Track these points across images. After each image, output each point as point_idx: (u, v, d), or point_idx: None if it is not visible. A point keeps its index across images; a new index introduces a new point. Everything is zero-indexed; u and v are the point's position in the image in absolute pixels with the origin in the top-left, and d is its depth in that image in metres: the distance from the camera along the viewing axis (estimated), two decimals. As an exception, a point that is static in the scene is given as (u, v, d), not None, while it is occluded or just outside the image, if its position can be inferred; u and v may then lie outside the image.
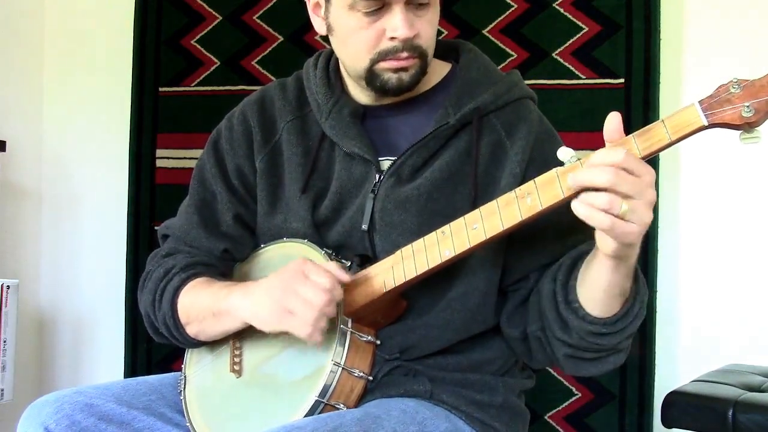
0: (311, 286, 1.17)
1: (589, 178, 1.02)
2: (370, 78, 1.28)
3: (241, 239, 1.39)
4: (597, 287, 1.13)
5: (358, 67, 1.29)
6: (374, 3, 1.22)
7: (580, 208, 1.04)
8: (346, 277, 1.20)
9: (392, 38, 1.24)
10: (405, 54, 1.25)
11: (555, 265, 1.24)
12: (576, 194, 1.08)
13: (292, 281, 1.18)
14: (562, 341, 1.20)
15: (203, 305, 1.28)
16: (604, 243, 1.06)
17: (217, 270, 1.36)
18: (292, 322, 1.17)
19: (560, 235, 1.24)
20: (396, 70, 1.26)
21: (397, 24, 1.23)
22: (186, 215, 1.41)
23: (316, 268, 1.19)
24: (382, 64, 1.26)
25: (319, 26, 1.33)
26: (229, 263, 1.39)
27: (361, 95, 1.36)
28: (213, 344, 1.35)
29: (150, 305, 1.35)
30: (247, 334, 1.31)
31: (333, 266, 1.21)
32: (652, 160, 1.10)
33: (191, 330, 1.31)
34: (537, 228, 1.22)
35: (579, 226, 1.22)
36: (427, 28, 1.26)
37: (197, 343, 1.34)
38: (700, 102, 1.04)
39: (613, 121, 1.06)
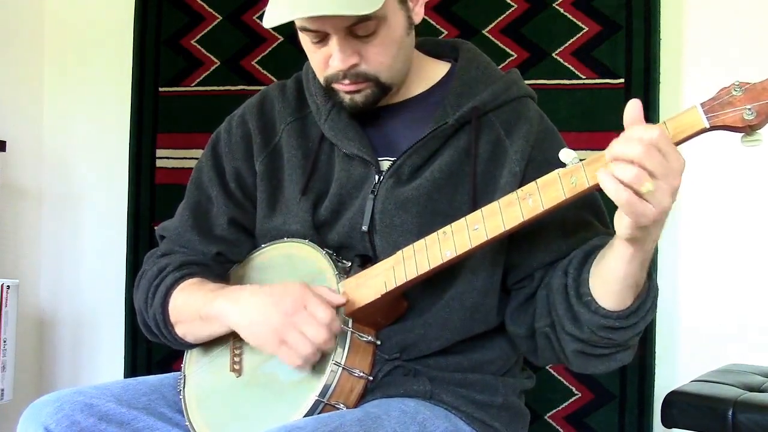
0: (311, 323, 1.17)
1: (621, 149, 1.00)
2: (331, 95, 1.30)
3: (236, 242, 1.39)
4: (613, 278, 1.12)
5: (321, 82, 1.31)
6: (314, 35, 1.23)
7: (604, 178, 1.01)
8: (340, 299, 1.22)
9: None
10: (347, 81, 1.25)
11: (565, 259, 1.23)
12: (576, 195, 1.08)
13: (292, 314, 1.18)
14: (572, 336, 1.19)
15: (193, 307, 1.28)
16: (620, 223, 1.04)
17: (213, 271, 1.35)
18: (286, 353, 1.18)
19: (565, 234, 1.24)
20: (347, 92, 1.27)
21: (333, 55, 1.24)
22: (181, 217, 1.41)
23: (316, 300, 1.19)
24: (335, 85, 1.28)
25: None
26: (224, 265, 1.39)
27: None
28: (212, 343, 1.35)
29: (143, 303, 1.35)
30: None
31: (325, 291, 1.21)
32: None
33: (179, 330, 1.31)
34: (541, 226, 1.22)
35: (583, 224, 1.22)
36: (376, 52, 1.24)
37: (185, 344, 1.34)
38: (702, 104, 1.04)
39: (634, 110, 1.04)
